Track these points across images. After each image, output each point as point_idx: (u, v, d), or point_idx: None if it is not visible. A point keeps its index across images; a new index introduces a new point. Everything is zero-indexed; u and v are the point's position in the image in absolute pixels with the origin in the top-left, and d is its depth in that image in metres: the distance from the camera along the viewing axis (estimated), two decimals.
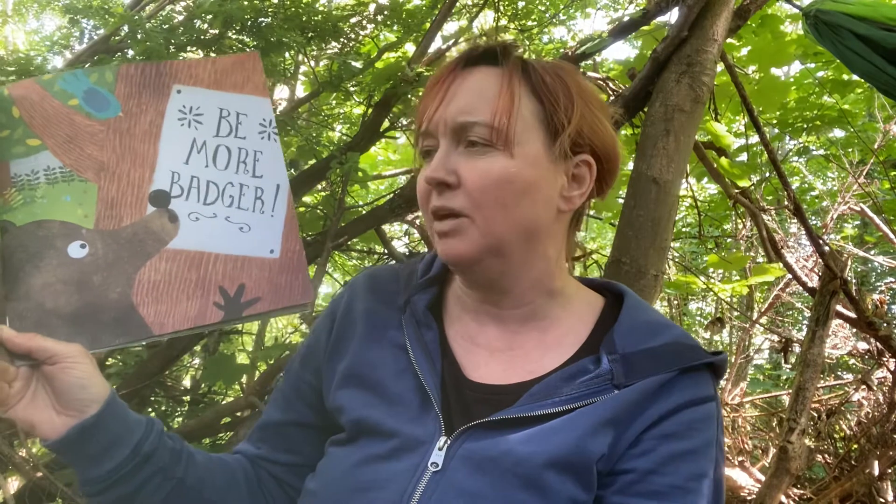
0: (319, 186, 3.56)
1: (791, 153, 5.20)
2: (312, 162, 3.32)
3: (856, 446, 3.47)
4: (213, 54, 2.98)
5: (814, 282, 2.57)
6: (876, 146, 3.95)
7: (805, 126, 3.79)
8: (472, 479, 0.74)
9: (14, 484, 2.92)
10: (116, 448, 0.80)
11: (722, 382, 4.95)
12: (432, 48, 3.27)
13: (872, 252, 4.80)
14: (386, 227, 3.49)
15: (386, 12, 3.29)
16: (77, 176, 0.85)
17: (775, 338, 4.66)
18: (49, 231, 0.84)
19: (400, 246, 4.11)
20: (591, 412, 0.75)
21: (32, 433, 0.79)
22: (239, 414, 3.10)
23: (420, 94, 2.93)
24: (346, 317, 0.91)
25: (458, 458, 0.75)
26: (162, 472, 0.83)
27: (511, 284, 0.84)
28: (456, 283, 0.91)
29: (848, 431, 3.69)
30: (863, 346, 3.67)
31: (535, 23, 4.11)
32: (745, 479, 3.51)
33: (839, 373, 4.76)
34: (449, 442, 0.77)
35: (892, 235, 3.68)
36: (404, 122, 3.32)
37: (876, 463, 2.98)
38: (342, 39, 3.19)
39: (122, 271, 0.84)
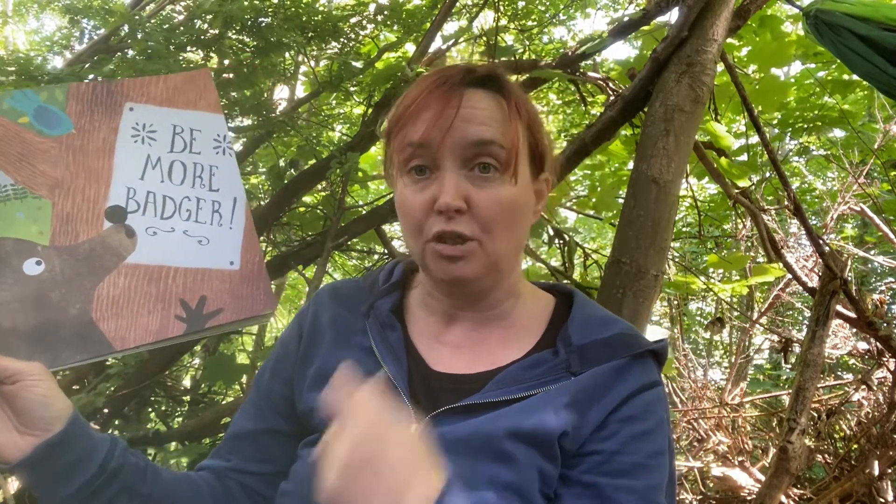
0: (319, 186, 3.56)
1: (791, 153, 5.20)
2: (312, 162, 3.32)
3: (856, 446, 3.46)
4: (213, 54, 2.98)
5: (814, 282, 2.57)
6: (876, 146, 3.94)
7: (805, 126, 3.79)
8: (444, 461, 0.77)
9: (14, 484, 2.92)
10: (83, 465, 0.79)
11: (722, 383, 4.95)
12: (432, 48, 3.27)
13: (872, 252, 4.79)
14: (386, 227, 3.49)
15: (386, 12, 3.29)
16: (30, 193, 0.85)
17: (775, 338, 4.66)
18: (2, 249, 0.83)
19: (400, 246, 4.10)
20: (550, 395, 0.81)
21: None
22: None
23: None
24: (314, 326, 0.94)
25: (430, 442, 0.78)
26: (129, 490, 0.83)
27: (490, 292, 0.90)
28: (420, 289, 0.96)
29: (848, 431, 3.69)
30: (863, 346, 3.67)
31: (535, 23, 4.11)
32: (745, 479, 3.51)
33: (839, 373, 4.76)
34: (420, 428, 0.81)
35: (892, 235, 3.67)
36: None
37: (876, 463, 2.98)
38: (342, 39, 3.19)
39: (81, 287, 0.83)
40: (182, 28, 2.87)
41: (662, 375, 0.90)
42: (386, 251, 3.64)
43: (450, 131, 0.81)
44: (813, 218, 5.11)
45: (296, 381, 0.93)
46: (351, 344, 0.90)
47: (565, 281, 2.79)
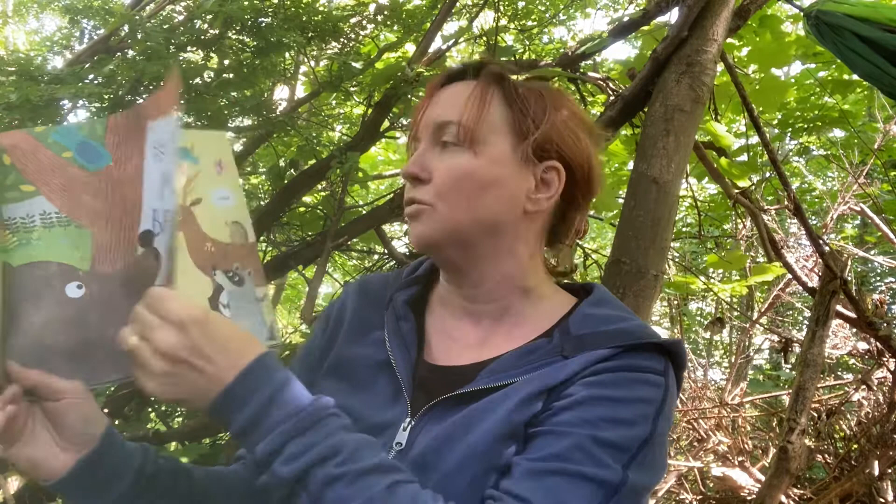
0: (319, 186, 3.56)
1: (791, 153, 5.20)
2: (312, 162, 3.32)
3: (856, 446, 3.46)
4: (213, 54, 2.98)
5: (814, 282, 2.57)
6: (876, 146, 3.95)
7: (805, 126, 3.79)
8: (431, 456, 0.78)
9: (14, 484, 2.93)
10: (120, 475, 0.81)
11: (722, 383, 4.95)
12: (432, 48, 3.27)
13: (872, 252, 4.79)
14: (386, 227, 3.49)
15: (386, 12, 3.29)
16: (73, 221, 0.87)
17: (775, 338, 4.66)
18: (47, 271, 0.85)
19: (400, 246, 4.10)
20: (538, 378, 0.80)
21: (35, 472, 0.79)
22: None
23: (420, 94, 2.95)
24: (338, 319, 0.97)
25: (421, 436, 0.81)
26: (167, 493, 0.86)
27: (480, 277, 0.89)
28: (440, 283, 0.96)
29: (848, 431, 3.69)
30: (863, 346, 3.67)
31: (535, 23, 4.11)
32: (745, 479, 3.51)
33: (839, 373, 4.76)
34: (413, 422, 0.82)
35: (892, 235, 3.67)
36: (404, 122, 3.32)
37: (876, 463, 2.98)
38: (342, 39, 3.19)
39: (117, 311, 0.84)
40: (182, 28, 2.87)
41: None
42: (386, 251, 3.64)
43: (423, 119, 0.90)
44: (813, 218, 5.11)
45: (316, 370, 0.95)
46: (368, 336, 0.93)
47: (565, 281, 2.78)
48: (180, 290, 0.80)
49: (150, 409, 3.44)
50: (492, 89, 0.88)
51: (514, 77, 0.92)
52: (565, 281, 1.01)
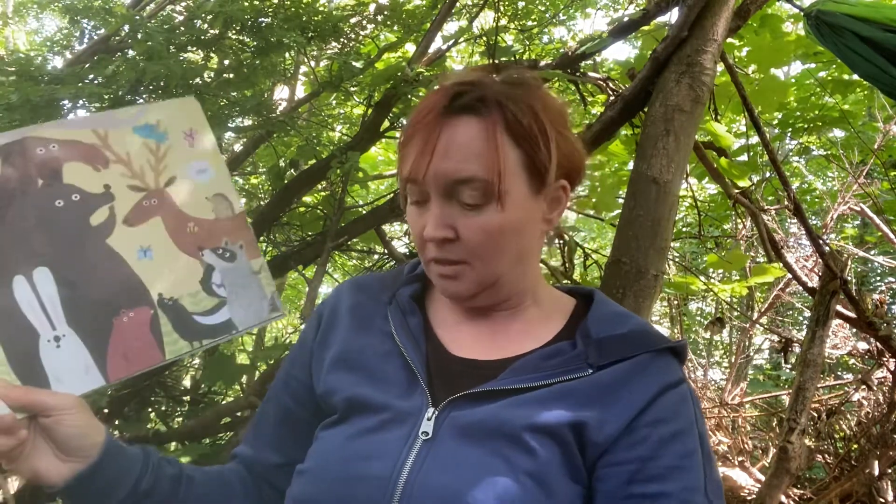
0: (319, 186, 3.56)
1: (791, 153, 5.20)
2: (312, 162, 3.32)
3: (856, 446, 3.46)
4: (213, 55, 2.99)
5: (814, 282, 2.57)
6: (876, 146, 3.95)
7: (805, 126, 3.79)
8: (460, 445, 0.79)
9: (14, 484, 2.93)
10: (117, 488, 0.82)
11: (722, 383, 4.95)
12: (432, 48, 3.27)
13: (872, 252, 4.79)
14: (386, 227, 3.49)
15: (386, 12, 3.29)
16: None
17: (775, 338, 4.66)
18: None
19: (400, 246, 4.10)
20: (568, 388, 0.82)
21: (36, 482, 0.79)
22: (239, 414, 3.10)
23: (420, 94, 2.95)
24: (333, 314, 0.97)
25: (447, 426, 0.81)
26: (166, 501, 0.86)
27: (499, 302, 0.92)
28: None
29: (848, 431, 3.69)
30: (863, 346, 3.67)
31: (535, 23, 4.11)
32: (745, 479, 3.51)
33: (839, 373, 4.76)
34: (436, 412, 0.82)
35: (892, 235, 3.68)
36: (404, 122, 3.32)
37: (876, 463, 2.98)
38: (342, 39, 3.19)
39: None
40: (182, 28, 2.87)
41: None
42: (386, 251, 3.64)
43: (430, 167, 0.82)
44: (813, 218, 5.11)
45: (314, 366, 0.95)
46: (372, 328, 0.93)
47: (565, 281, 2.79)
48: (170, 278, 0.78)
49: (149, 410, 3.44)
50: (498, 129, 0.82)
51: (496, 75, 0.88)
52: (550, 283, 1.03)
